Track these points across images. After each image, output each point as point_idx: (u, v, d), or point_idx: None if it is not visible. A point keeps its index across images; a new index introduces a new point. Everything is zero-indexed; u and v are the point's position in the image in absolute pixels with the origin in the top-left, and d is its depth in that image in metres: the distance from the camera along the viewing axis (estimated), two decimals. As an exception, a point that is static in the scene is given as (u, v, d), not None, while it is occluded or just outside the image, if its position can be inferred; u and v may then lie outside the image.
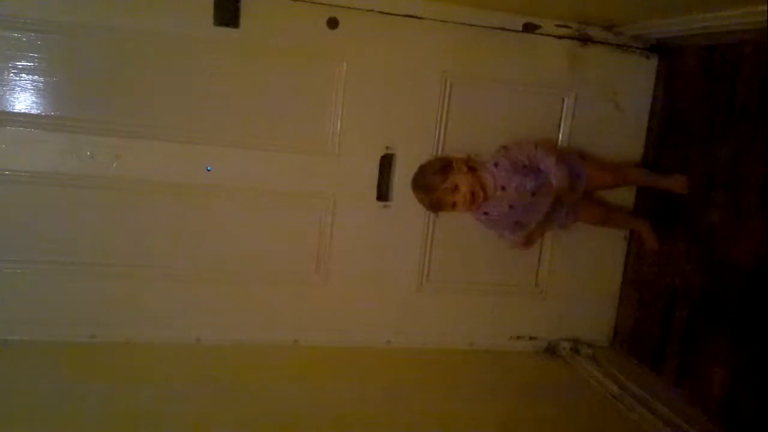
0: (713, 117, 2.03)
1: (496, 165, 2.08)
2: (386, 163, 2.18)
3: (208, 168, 2.05)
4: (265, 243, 2.16)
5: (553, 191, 2.04)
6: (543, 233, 2.25)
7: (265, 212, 2.14)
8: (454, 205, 2.05)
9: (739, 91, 1.94)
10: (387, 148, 2.17)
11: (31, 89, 1.91)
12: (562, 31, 2.20)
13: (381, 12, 2.05)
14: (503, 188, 2.05)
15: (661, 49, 2.26)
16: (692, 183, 2.08)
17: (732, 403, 1.88)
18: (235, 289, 2.17)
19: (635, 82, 2.29)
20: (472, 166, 2.07)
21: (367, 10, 2.04)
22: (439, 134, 2.19)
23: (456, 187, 2.03)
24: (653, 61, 2.29)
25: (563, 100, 2.26)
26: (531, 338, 2.42)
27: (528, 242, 2.17)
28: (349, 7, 2.03)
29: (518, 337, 2.41)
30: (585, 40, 2.22)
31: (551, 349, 2.42)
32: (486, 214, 2.10)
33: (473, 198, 2.03)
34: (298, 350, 2.21)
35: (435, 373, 2.17)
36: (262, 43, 2.01)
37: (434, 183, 2.05)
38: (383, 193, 2.20)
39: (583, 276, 2.41)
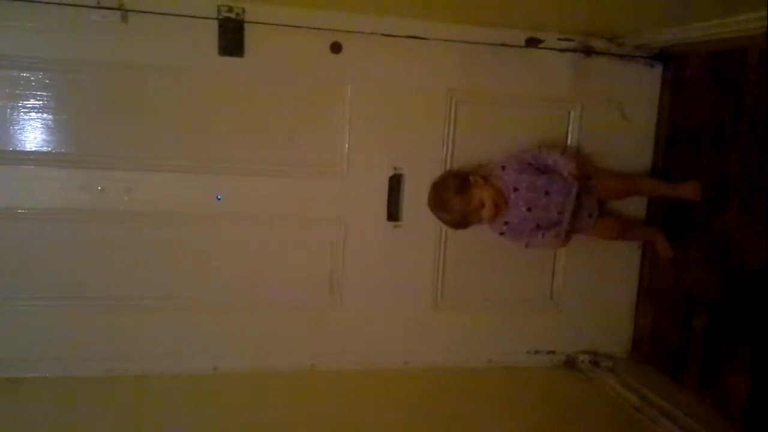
0: (721, 122, 2.03)
1: (503, 168, 2.10)
2: (395, 183, 2.18)
3: (218, 197, 2.06)
4: (277, 269, 2.16)
5: (566, 185, 2.04)
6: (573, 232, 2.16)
7: (276, 238, 2.14)
8: (480, 220, 2.08)
9: (746, 94, 1.94)
10: (395, 168, 2.17)
11: (41, 127, 1.93)
12: (565, 44, 2.20)
13: (383, 34, 2.05)
14: (516, 189, 2.06)
15: (665, 56, 2.26)
16: (704, 189, 2.07)
17: (757, 410, 1.85)
18: (249, 315, 2.17)
19: (641, 90, 2.29)
20: (484, 176, 2.10)
21: (370, 33, 2.04)
22: (447, 152, 2.19)
23: (482, 205, 2.05)
24: (658, 69, 2.28)
25: (569, 113, 2.26)
26: (549, 352, 2.40)
27: (562, 239, 2.12)
28: (352, 31, 2.04)
29: (536, 352, 2.39)
30: (588, 51, 2.22)
31: (570, 363, 2.40)
32: (507, 223, 2.10)
33: (497, 209, 2.06)
34: (315, 375, 2.20)
35: (454, 391, 2.16)
36: (266, 70, 2.03)
37: (458, 205, 2.07)
38: (393, 213, 2.20)
39: (598, 287, 2.39)
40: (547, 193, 2.06)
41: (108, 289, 2.06)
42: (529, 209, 2.06)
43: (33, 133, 1.92)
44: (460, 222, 2.11)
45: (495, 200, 2.05)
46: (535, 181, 2.07)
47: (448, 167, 2.19)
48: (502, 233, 2.14)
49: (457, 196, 2.06)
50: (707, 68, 2.10)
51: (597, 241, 2.26)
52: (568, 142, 2.26)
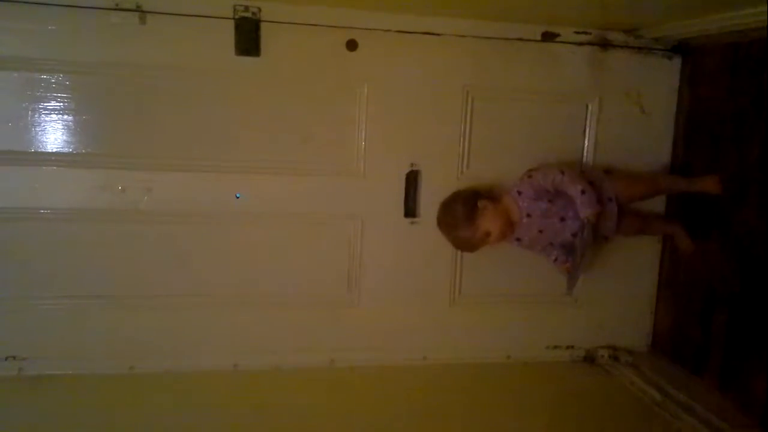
0: (741, 115, 2.00)
1: (519, 193, 2.08)
2: (412, 180, 2.18)
3: (238, 195, 2.07)
4: (296, 266, 2.17)
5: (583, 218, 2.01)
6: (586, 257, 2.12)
7: (295, 236, 2.15)
8: (488, 244, 2.09)
9: (766, 87, 1.91)
10: (412, 164, 2.17)
11: (62, 129, 1.95)
12: (582, 38, 2.19)
13: (399, 31, 2.06)
14: (529, 215, 2.05)
15: (683, 49, 2.23)
16: (724, 183, 2.05)
17: (779, 406, 1.84)
18: (269, 313, 2.18)
19: (659, 83, 2.27)
20: (495, 197, 2.08)
21: (385, 31, 2.05)
22: (464, 148, 2.19)
23: (488, 234, 2.05)
24: (676, 62, 2.26)
25: (587, 107, 2.24)
26: (568, 347, 2.39)
27: (572, 271, 2.10)
28: (367, 29, 2.04)
29: (555, 347, 2.39)
30: (605, 45, 2.20)
31: (590, 358, 2.39)
32: (519, 240, 2.11)
33: (503, 237, 2.06)
34: (335, 371, 2.21)
35: (473, 387, 2.16)
36: (283, 69, 2.04)
37: (466, 235, 2.07)
38: (410, 209, 2.20)
39: (617, 281, 2.38)
40: (562, 219, 2.05)
41: (129, 288, 2.08)
42: (540, 231, 2.07)
43: (54, 135, 1.95)
44: (467, 248, 2.14)
45: (502, 230, 2.05)
46: (550, 208, 2.05)
47: (465, 162, 2.19)
48: (514, 245, 2.15)
49: (463, 226, 2.06)
50: (727, 61, 2.07)
51: (617, 236, 2.25)
52: (586, 136, 2.25)
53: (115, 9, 1.89)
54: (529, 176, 2.09)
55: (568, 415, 1.99)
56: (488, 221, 2.04)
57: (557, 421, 1.95)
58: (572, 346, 2.39)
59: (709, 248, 2.13)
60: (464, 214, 2.05)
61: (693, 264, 2.21)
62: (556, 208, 2.05)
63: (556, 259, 2.12)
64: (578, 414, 2.00)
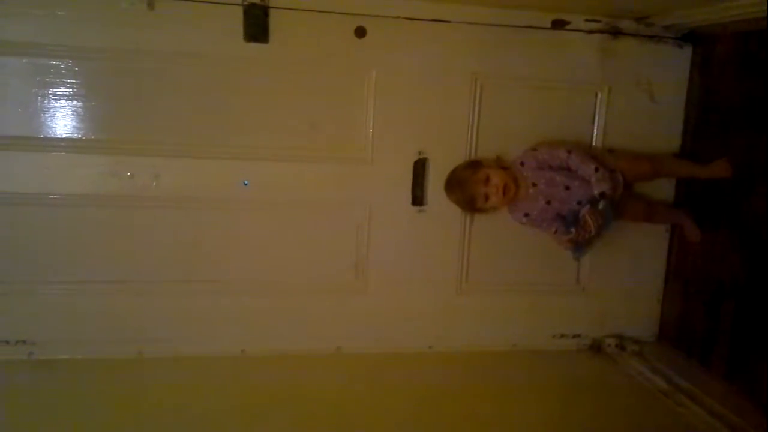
0: (752, 104, 1.99)
1: (522, 164, 2.10)
2: (420, 168, 2.18)
3: (245, 182, 2.08)
4: (304, 253, 2.18)
5: (590, 188, 2.02)
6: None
7: (303, 223, 2.16)
8: (486, 198, 2.06)
9: (777, 76, 1.90)
10: (420, 152, 2.17)
11: (71, 114, 1.96)
12: (592, 26, 2.17)
13: (408, 18, 2.05)
14: (534, 185, 2.06)
15: (694, 37, 2.22)
16: (734, 172, 2.04)
17: (786, 396, 1.84)
18: (277, 299, 2.19)
19: (670, 72, 2.25)
20: (502, 165, 2.10)
21: (394, 17, 2.04)
22: (472, 136, 2.18)
23: (488, 179, 2.05)
24: (687, 50, 2.24)
25: (596, 95, 2.23)
26: (575, 336, 2.39)
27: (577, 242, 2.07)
28: (376, 16, 2.04)
29: (562, 336, 2.39)
30: (615, 33, 2.19)
31: (596, 347, 2.39)
32: (527, 215, 2.10)
33: (505, 190, 2.04)
34: (341, 358, 2.22)
35: (479, 375, 2.17)
36: (291, 56, 2.03)
37: (465, 176, 2.08)
38: (418, 197, 2.20)
39: (625, 271, 2.38)
40: (567, 188, 2.05)
41: (138, 273, 2.09)
42: (548, 202, 2.07)
43: (63, 120, 1.96)
44: (469, 196, 2.08)
45: (504, 180, 2.04)
46: (554, 177, 2.06)
47: (472, 151, 2.18)
48: (523, 223, 2.14)
49: (467, 169, 2.09)
50: (737, 49, 2.06)
51: (625, 224, 2.24)
52: (595, 124, 2.24)
53: (124, -5, 1.89)
54: (533, 150, 2.12)
55: (574, 403, 1.99)
56: (490, 170, 2.06)
57: (563, 409, 1.95)
58: (579, 335, 2.39)
59: (717, 238, 2.12)
60: (468, 162, 2.12)
61: (701, 254, 2.20)
62: (560, 177, 2.06)
63: (555, 231, 2.10)
64: (584, 403, 2.00)
